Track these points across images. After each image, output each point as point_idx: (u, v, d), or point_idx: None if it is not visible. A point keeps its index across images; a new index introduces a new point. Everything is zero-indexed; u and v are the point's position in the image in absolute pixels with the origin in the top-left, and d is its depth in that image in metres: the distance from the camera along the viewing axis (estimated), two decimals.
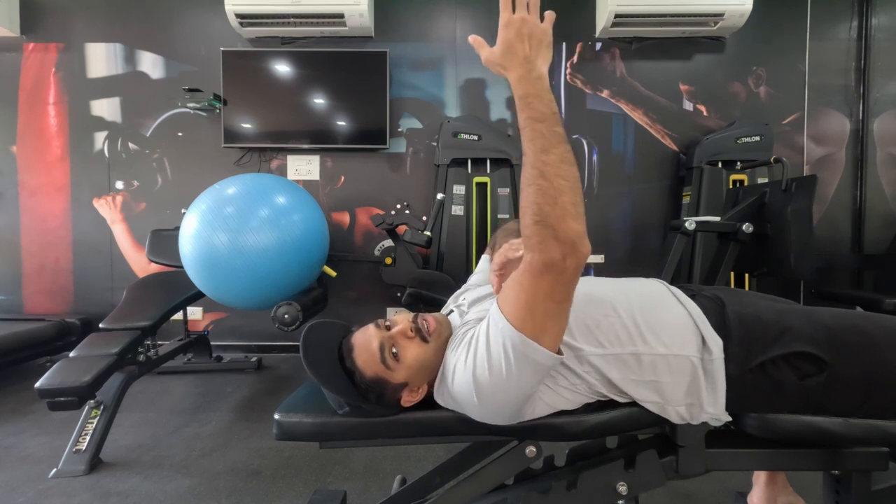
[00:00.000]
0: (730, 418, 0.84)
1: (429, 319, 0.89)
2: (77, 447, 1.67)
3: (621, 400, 0.85)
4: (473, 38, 0.84)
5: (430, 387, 0.90)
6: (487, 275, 1.14)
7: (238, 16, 2.77)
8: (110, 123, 3.09)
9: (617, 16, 2.76)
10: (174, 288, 2.32)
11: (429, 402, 0.90)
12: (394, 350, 0.85)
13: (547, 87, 0.78)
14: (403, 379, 0.86)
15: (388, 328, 0.89)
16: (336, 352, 0.88)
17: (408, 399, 0.88)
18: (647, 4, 2.72)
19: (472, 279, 1.23)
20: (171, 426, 2.01)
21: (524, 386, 0.77)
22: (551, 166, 0.71)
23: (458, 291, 1.15)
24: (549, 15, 0.82)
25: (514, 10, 0.80)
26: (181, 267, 2.17)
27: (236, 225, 1.98)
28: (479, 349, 0.78)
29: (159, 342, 2.24)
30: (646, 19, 2.79)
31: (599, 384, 0.84)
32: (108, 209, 3.11)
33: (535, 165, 0.72)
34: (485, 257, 1.24)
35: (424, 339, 0.87)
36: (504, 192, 3.01)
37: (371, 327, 0.89)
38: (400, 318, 0.90)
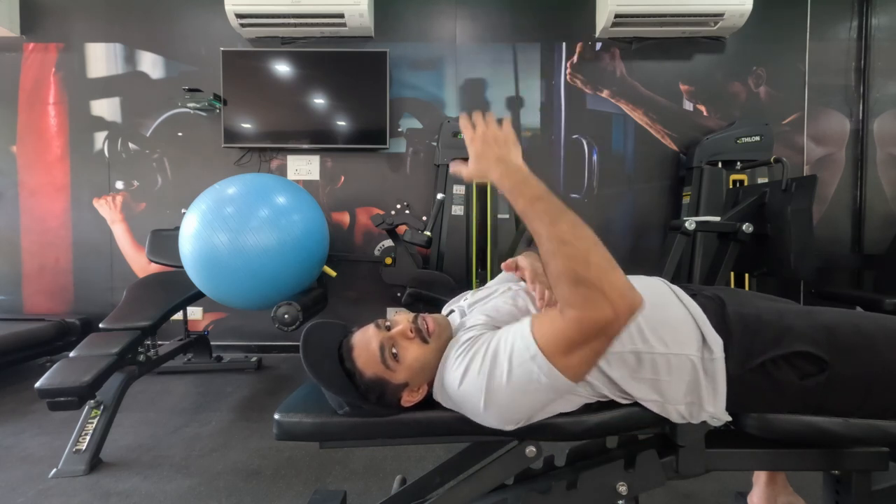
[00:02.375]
0: (730, 418, 0.84)
1: (428, 320, 0.89)
2: (77, 447, 1.67)
3: (622, 401, 0.85)
4: (453, 166, 0.95)
5: (430, 387, 0.90)
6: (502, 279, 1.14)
7: (238, 16, 2.77)
8: (110, 123, 3.09)
9: (617, 16, 2.76)
10: (174, 288, 2.32)
11: (429, 402, 0.90)
12: (394, 350, 0.85)
13: (529, 172, 0.83)
14: (404, 379, 0.86)
15: (388, 328, 0.89)
16: (336, 352, 0.88)
17: (408, 399, 0.88)
18: (647, 4, 2.72)
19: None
20: (171, 426, 2.01)
21: (535, 405, 0.80)
22: (568, 232, 0.73)
23: (461, 295, 1.15)
24: (506, 120, 0.92)
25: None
26: (181, 267, 2.17)
27: (236, 225, 1.98)
28: (500, 365, 0.77)
29: (159, 342, 2.24)
30: (646, 19, 2.79)
31: (601, 385, 0.84)
32: (108, 209, 3.11)
33: (551, 238, 0.74)
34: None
35: (424, 340, 0.87)
36: None
37: (371, 328, 0.89)
38: (400, 318, 0.90)
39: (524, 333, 0.78)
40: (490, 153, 0.86)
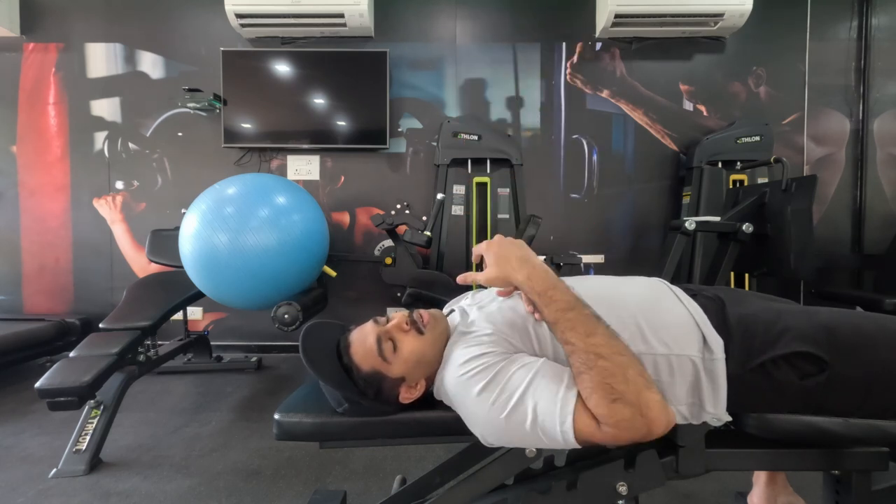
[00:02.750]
0: (730, 418, 0.84)
1: (423, 313, 0.91)
2: (77, 447, 1.67)
3: None
4: (461, 278, 0.91)
5: (428, 383, 0.91)
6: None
7: (238, 15, 2.77)
8: (110, 123, 3.09)
9: (617, 16, 2.76)
10: (174, 288, 2.32)
11: (429, 402, 0.91)
12: (390, 342, 0.87)
13: (556, 276, 0.81)
14: (400, 373, 0.87)
15: (386, 323, 0.91)
16: (335, 349, 0.90)
17: (406, 396, 0.89)
18: (647, 4, 2.72)
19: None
20: (171, 426, 2.01)
21: (542, 446, 0.80)
22: (604, 346, 0.73)
23: (462, 295, 1.15)
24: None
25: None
26: (181, 267, 2.17)
27: (236, 225, 1.98)
28: (525, 410, 0.76)
29: (159, 342, 2.24)
30: (646, 19, 2.79)
31: None
32: (108, 209, 3.11)
33: (587, 350, 0.73)
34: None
35: (420, 332, 0.89)
36: (504, 192, 3.01)
37: (368, 324, 0.91)
38: (396, 314, 0.92)
39: (565, 409, 0.74)
40: (511, 254, 0.84)
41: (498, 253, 0.85)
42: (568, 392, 0.75)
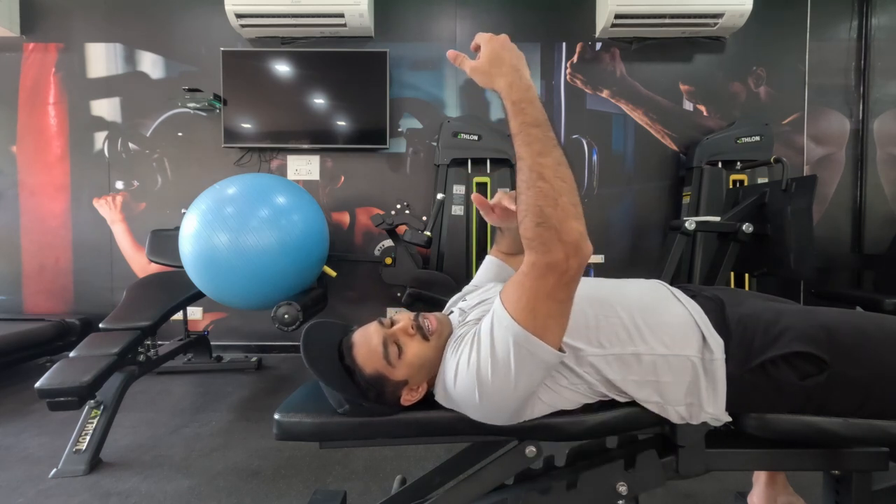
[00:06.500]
0: (730, 418, 0.84)
1: (430, 318, 0.90)
2: (77, 447, 1.67)
3: (621, 399, 0.85)
4: (452, 54, 0.89)
5: (430, 386, 0.90)
6: (490, 271, 1.14)
7: (238, 15, 2.77)
8: (110, 123, 3.09)
9: (617, 16, 2.76)
10: (174, 288, 2.32)
11: (429, 402, 0.90)
12: (396, 346, 0.85)
13: (537, 94, 0.80)
14: (404, 376, 0.86)
15: (390, 326, 0.89)
16: (336, 350, 0.89)
17: (407, 398, 0.88)
18: (647, 4, 2.72)
19: (476, 279, 1.21)
20: (171, 426, 2.01)
21: (527, 383, 0.77)
22: (549, 168, 0.73)
23: (460, 293, 1.15)
24: None
25: None
26: (181, 267, 2.17)
27: (236, 225, 1.98)
28: (483, 346, 0.78)
29: (159, 342, 2.24)
30: (646, 19, 2.79)
31: (600, 384, 0.84)
32: (108, 209, 3.11)
33: (532, 168, 0.74)
34: (489, 257, 1.22)
35: (425, 337, 0.87)
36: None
37: (372, 325, 0.90)
38: (401, 316, 0.91)
39: (496, 309, 0.78)
40: (506, 58, 0.81)
41: (495, 51, 0.82)
42: (494, 299, 0.79)
